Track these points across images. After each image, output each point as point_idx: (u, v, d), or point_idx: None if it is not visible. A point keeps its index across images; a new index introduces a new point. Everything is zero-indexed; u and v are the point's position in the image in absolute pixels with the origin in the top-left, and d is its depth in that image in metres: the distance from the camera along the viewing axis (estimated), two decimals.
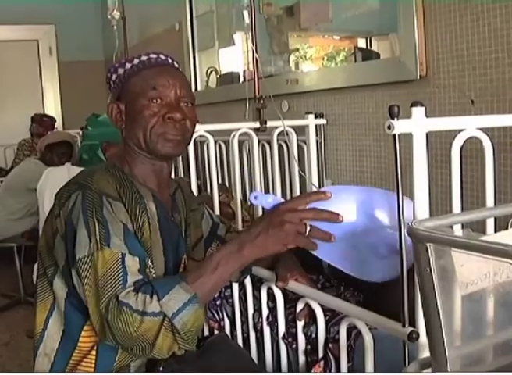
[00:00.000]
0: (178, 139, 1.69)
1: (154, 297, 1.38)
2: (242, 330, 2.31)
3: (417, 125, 1.37)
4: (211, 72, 4.87)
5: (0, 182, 5.85)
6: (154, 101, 1.66)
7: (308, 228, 1.47)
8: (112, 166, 1.71)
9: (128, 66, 1.70)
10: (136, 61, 1.71)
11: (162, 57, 1.75)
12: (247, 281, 2.17)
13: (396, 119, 1.33)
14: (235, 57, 4.78)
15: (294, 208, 1.49)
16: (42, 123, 6.22)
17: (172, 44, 5.16)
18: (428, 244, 1.02)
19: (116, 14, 4.86)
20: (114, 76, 1.72)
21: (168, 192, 1.83)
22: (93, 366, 1.60)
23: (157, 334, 1.38)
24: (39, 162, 4.80)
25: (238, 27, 4.50)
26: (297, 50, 4.05)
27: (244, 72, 4.49)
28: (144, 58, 1.72)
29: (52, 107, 7.42)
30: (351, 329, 1.76)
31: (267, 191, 3.55)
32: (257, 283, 2.17)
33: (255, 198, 1.62)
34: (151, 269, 1.52)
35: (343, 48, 3.81)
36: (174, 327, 1.38)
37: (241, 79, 4.52)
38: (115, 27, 4.90)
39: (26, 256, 4.93)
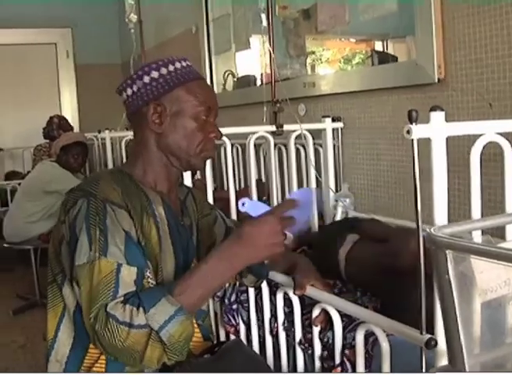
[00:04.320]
0: (213, 156, 1.78)
1: (141, 309, 1.39)
2: (258, 334, 2.30)
3: (436, 130, 1.35)
4: (228, 75, 4.86)
5: (18, 184, 5.90)
6: (204, 117, 1.71)
7: (290, 236, 1.51)
8: (119, 171, 1.72)
9: (171, 67, 1.70)
10: (178, 65, 1.72)
11: (193, 66, 1.78)
12: (264, 286, 2.16)
13: (414, 123, 1.32)
14: (251, 60, 4.77)
15: (280, 218, 1.50)
16: (60, 125, 6.25)
17: (189, 47, 5.17)
18: (447, 251, 1.01)
19: (133, 17, 4.88)
20: (156, 74, 1.69)
21: (177, 195, 1.84)
22: (103, 371, 1.60)
23: (145, 346, 1.39)
24: (55, 165, 4.82)
25: (254, 30, 4.49)
26: (313, 53, 4.03)
27: (261, 75, 4.48)
28: (183, 63, 1.73)
29: (69, 110, 7.45)
30: (368, 335, 1.75)
31: (283, 195, 3.54)
32: (274, 288, 2.16)
33: (243, 204, 1.62)
34: (150, 280, 1.52)
35: (359, 50, 3.79)
36: (161, 339, 1.39)
37: (258, 82, 4.52)
38: (132, 30, 4.92)
39: (42, 258, 4.94)
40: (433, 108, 1.37)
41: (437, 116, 1.36)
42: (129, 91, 1.72)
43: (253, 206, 1.61)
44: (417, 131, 1.32)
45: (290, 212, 1.53)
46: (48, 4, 7.24)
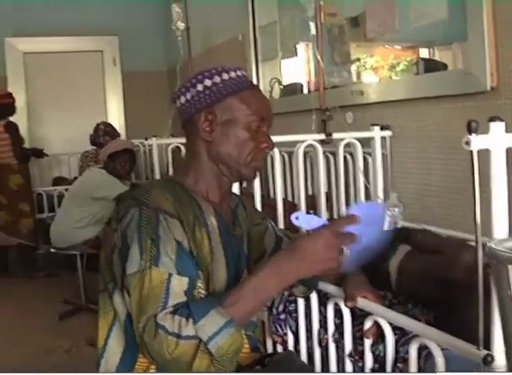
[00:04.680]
0: (262, 167, 1.76)
1: (190, 320, 1.39)
2: (307, 345, 2.28)
3: (496, 141, 1.32)
4: (274, 82, 4.86)
5: (65, 190, 5.97)
6: (256, 127, 1.69)
7: (346, 252, 1.47)
8: (171, 181, 1.72)
9: (225, 76, 1.70)
10: (232, 74, 1.71)
11: (247, 75, 1.77)
12: (313, 296, 2.14)
13: (474, 134, 1.29)
14: (297, 68, 4.75)
15: (337, 233, 1.48)
16: (106, 132, 6.31)
17: (235, 54, 5.18)
18: (509, 266, 0.98)
19: (181, 25, 4.91)
20: (208, 82, 1.69)
21: (229, 205, 1.83)
22: None
23: (193, 357, 1.39)
24: (103, 172, 4.86)
25: (301, 38, 4.48)
26: (358, 60, 4.00)
27: (308, 83, 4.46)
28: (238, 73, 1.73)
29: (116, 117, 7.53)
30: (421, 349, 1.71)
31: (329, 205, 3.51)
32: (323, 298, 2.14)
33: (297, 218, 1.59)
34: (200, 291, 1.51)
35: (404, 57, 3.74)
36: (210, 351, 1.38)
37: (305, 90, 4.50)
38: (179, 38, 4.94)
39: (88, 264, 4.99)
40: (492, 119, 1.33)
41: (497, 127, 1.33)
42: (183, 99, 1.72)
43: (307, 219, 1.58)
44: (477, 142, 1.29)
45: (352, 227, 1.49)
46: (95, 12, 7.35)
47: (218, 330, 1.39)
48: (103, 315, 1.66)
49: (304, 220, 1.58)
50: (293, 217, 1.60)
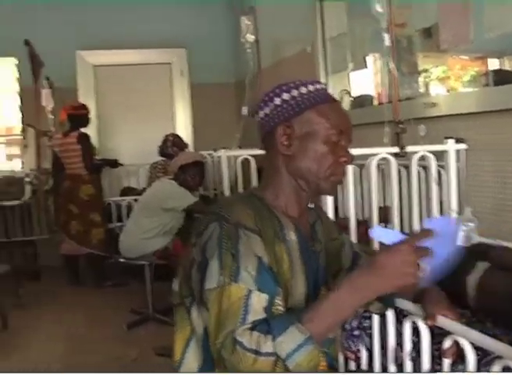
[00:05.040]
0: (342, 181, 1.74)
1: (269, 337, 1.38)
2: (381, 363, 2.23)
3: None
4: (344, 94, 4.82)
5: (133, 200, 6.05)
6: (335, 140, 1.67)
7: (425, 268, 1.45)
8: (251, 195, 1.71)
9: (303, 89, 1.69)
10: (311, 87, 1.70)
11: (326, 89, 1.76)
12: (389, 313, 2.09)
13: None
14: (367, 79, 4.71)
15: (415, 247, 1.44)
16: (174, 143, 6.38)
17: (305, 66, 5.16)
18: None
19: (250, 37, 4.93)
20: (286, 96, 1.69)
21: (308, 220, 1.81)
22: None
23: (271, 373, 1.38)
24: (173, 183, 4.91)
25: (371, 49, 4.44)
26: (425, 71, 3.93)
27: (379, 94, 4.40)
28: (317, 86, 1.72)
29: (183, 128, 7.61)
30: (505, 370, 1.65)
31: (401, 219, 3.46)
32: (400, 315, 2.09)
33: (374, 232, 1.56)
34: (279, 307, 1.49)
35: (471, 68, 3.66)
36: (288, 368, 1.37)
37: (375, 102, 4.45)
38: (248, 50, 4.96)
39: (155, 273, 5.04)
40: None
41: None
42: (262, 114, 1.72)
43: (385, 234, 1.55)
44: None
45: (427, 242, 1.45)
46: (164, 25, 7.46)
47: (297, 348, 1.38)
48: (179, 329, 1.67)
49: (381, 234, 1.55)
50: (371, 231, 1.58)
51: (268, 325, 1.41)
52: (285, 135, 1.67)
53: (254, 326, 1.42)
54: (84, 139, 6.15)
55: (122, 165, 6.70)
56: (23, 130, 5.99)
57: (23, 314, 5.32)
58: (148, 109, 7.69)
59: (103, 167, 6.45)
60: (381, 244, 1.57)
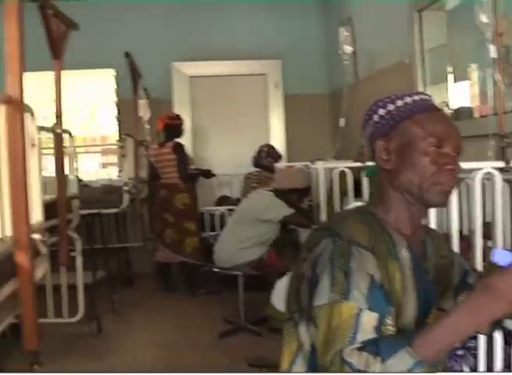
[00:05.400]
0: (451, 190, 1.65)
1: (378, 358, 1.35)
2: None
3: None
4: (443, 106, 4.72)
5: (227, 210, 6.11)
6: (434, 149, 1.61)
7: None
8: (363, 211, 1.68)
9: (399, 103, 1.66)
10: (408, 99, 1.67)
11: (429, 99, 1.71)
12: (497, 334, 2.03)
13: None
14: (466, 91, 4.60)
15: None
16: (268, 154, 6.42)
17: (402, 78, 5.09)
18: None
19: (348, 48, 4.90)
20: (382, 111, 1.67)
21: (420, 237, 1.76)
22: None
23: None
24: (271, 194, 4.95)
25: (472, 60, 4.34)
26: None
27: (479, 107, 4.29)
28: (415, 97, 1.68)
29: (277, 139, 7.62)
30: None
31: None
32: (508, 336, 2.03)
33: (493, 254, 1.50)
34: (389, 327, 1.46)
35: None
36: None
37: (475, 114, 4.33)
38: (345, 62, 4.93)
39: (247, 283, 5.05)
40: None
41: None
42: (365, 133, 1.72)
43: (502, 256, 1.50)
44: None
45: None
46: (258, 36, 7.54)
47: (407, 371, 1.34)
48: (286, 344, 1.65)
49: (499, 256, 1.50)
50: (493, 254, 1.53)
51: (377, 346, 1.38)
52: (384, 150, 1.65)
53: (364, 347, 1.39)
54: (179, 149, 6.27)
55: (215, 175, 6.77)
56: (122, 140, 6.14)
57: (117, 319, 5.44)
58: (242, 120, 7.75)
59: (198, 177, 6.54)
60: (491, 264, 1.52)
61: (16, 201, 1.98)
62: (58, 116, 3.26)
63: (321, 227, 1.62)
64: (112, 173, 7.34)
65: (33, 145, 2.23)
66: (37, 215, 2.25)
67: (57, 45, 3.05)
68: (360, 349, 1.38)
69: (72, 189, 4.27)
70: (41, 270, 2.29)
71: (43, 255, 2.29)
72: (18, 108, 2.05)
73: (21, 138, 2.02)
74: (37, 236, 2.18)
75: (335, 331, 1.42)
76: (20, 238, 1.97)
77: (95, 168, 7.50)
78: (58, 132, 3.22)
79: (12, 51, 2.06)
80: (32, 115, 2.28)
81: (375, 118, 1.68)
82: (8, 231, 1.99)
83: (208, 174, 6.64)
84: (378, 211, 1.67)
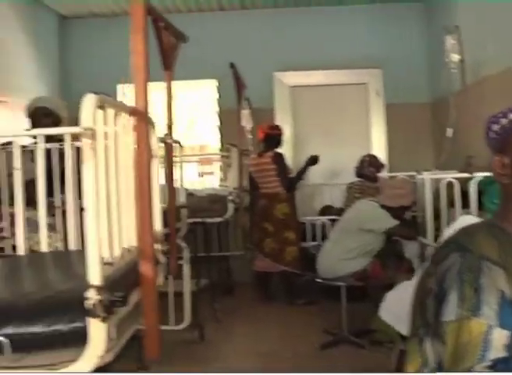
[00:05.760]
0: None
1: None
2: None
3: None
4: None
5: (328, 220, 6.08)
6: None
7: None
8: (492, 225, 1.64)
9: (511, 116, 1.63)
10: None
11: None
12: None
13: None
14: None
15: None
16: (370, 163, 6.37)
17: (509, 85, 4.94)
18: None
19: (455, 57, 4.81)
20: (495, 127, 1.64)
21: None
22: None
23: None
24: (375, 204, 4.92)
25: None
26: None
27: None
28: None
29: (379, 148, 7.54)
30: None
31: None
32: None
33: None
34: None
35: None
36: None
37: None
38: (453, 70, 4.84)
39: (349, 294, 5.00)
40: None
41: None
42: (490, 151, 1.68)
43: None
44: None
45: None
46: (359, 45, 7.52)
47: None
48: (411, 361, 1.63)
49: None
50: None
51: (507, 365, 1.34)
52: (500, 165, 1.62)
53: (494, 365, 1.35)
54: (279, 158, 6.31)
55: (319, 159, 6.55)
56: (226, 149, 6.20)
57: (218, 327, 5.50)
58: (343, 129, 7.72)
59: (298, 181, 6.50)
60: None
61: (141, 213, 2.02)
62: (169, 126, 3.32)
63: (449, 241, 1.58)
64: (208, 183, 7.52)
65: (154, 156, 2.27)
66: (157, 225, 2.29)
67: (168, 57, 3.11)
68: (491, 367, 1.35)
69: (181, 198, 4.35)
70: (160, 279, 2.33)
71: (161, 263, 2.34)
72: (143, 119, 2.11)
73: (146, 149, 2.07)
74: (158, 246, 2.23)
75: (464, 348, 1.39)
76: (145, 248, 2.01)
77: (194, 177, 7.61)
78: (168, 142, 3.28)
79: (139, 63, 2.11)
80: (153, 126, 2.33)
81: (491, 134, 1.66)
82: (134, 241, 2.03)
83: (315, 160, 6.43)
84: (507, 224, 1.63)
